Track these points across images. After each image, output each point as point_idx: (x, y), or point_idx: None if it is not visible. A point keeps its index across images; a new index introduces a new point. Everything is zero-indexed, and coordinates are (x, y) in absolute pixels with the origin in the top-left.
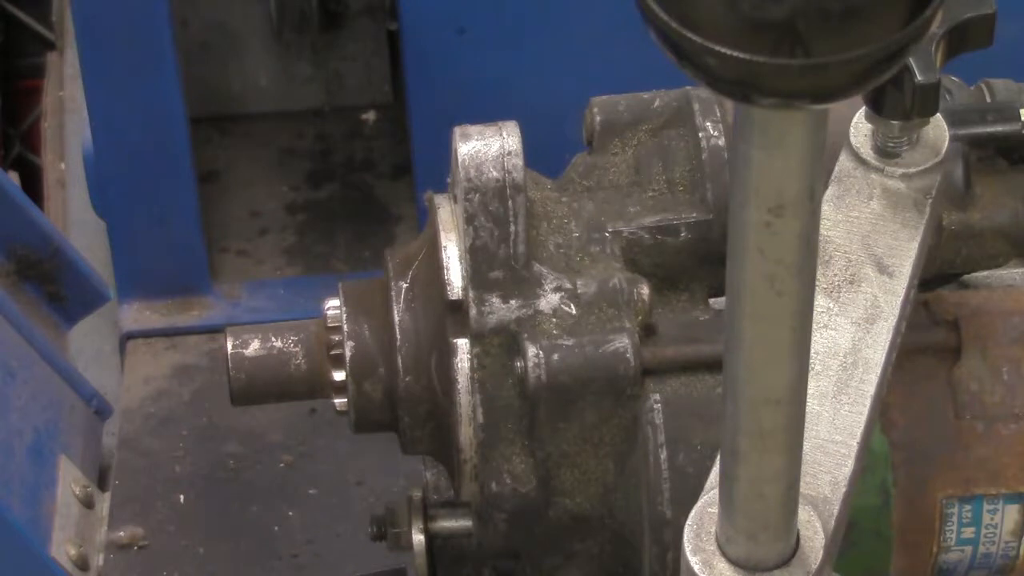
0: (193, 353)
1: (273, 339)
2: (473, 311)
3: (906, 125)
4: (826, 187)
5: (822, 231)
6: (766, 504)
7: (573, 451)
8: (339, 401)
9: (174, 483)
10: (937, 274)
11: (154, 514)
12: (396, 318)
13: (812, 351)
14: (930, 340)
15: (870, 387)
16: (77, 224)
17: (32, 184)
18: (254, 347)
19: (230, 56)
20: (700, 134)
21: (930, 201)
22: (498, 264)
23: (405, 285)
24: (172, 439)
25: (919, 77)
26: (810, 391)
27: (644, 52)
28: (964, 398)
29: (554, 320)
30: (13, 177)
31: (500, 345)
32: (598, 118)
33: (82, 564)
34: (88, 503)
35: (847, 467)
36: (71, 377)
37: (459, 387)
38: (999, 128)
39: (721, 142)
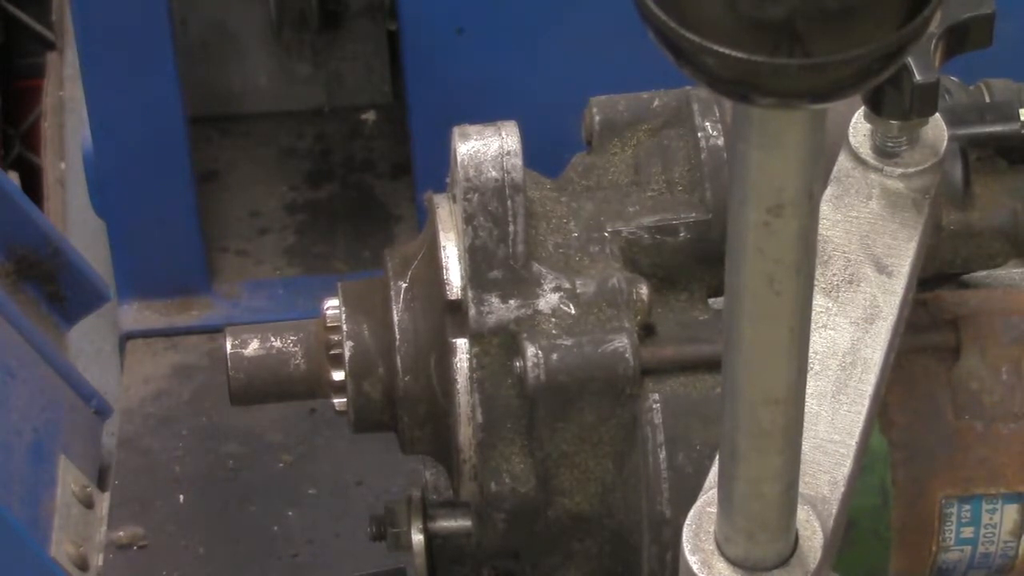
0: (193, 353)
1: (272, 339)
2: (472, 311)
3: (905, 125)
4: (825, 187)
5: (821, 231)
6: (765, 504)
7: (572, 451)
8: (338, 401)
9: (174, 483)
10: (936, 274)
11: (154, 514)
12: (395, 318)
13: (811, 351)
14: (929, 340)
15: (869, 387)
16: (77, 224)
17: (32, 184)
18: (253, 347)
19: (230, 56)
20: (699, 134)
21: (929, 201)
22: (497, 264)
23: (404, 285)
24: (172, 439)
25: (918, 77)
26: (809, 391)
27: (644, 52)
28: (963, 398)
29: (553, 320)
30: (13, 177)
31: (499, 345)
32: (597, 118)
33: (82, 564)
34: (88, 503)
35: (846, 467)
36: (71, 377)
37: (458, 387)
38: (998, 128)
39: (720, 142)
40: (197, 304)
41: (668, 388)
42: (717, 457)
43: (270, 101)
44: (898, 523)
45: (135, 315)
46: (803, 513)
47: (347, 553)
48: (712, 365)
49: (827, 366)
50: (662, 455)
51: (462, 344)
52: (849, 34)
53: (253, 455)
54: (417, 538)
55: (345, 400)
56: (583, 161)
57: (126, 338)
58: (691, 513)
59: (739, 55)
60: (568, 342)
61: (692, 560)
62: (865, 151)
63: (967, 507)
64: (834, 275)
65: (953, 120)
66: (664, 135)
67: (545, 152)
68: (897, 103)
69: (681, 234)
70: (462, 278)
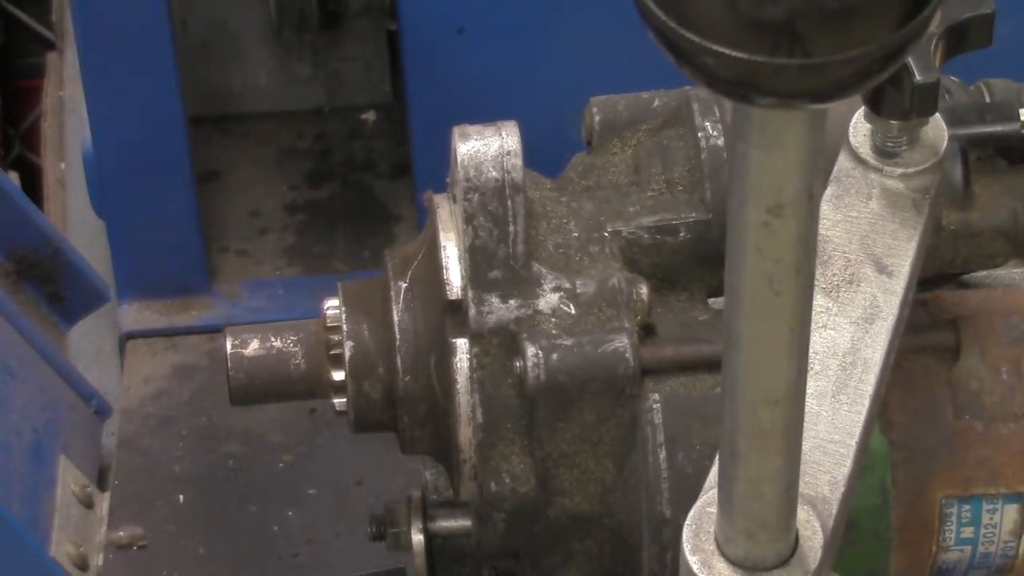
0: (193, 353)
1: (272, 339)
2: (472, 311)
3: (905, 125)
4: (825, 187)
5: (821, 231)
6: (765, 504)
7: (572, 451)
8: (338, 401)
9: (174, 483)
10: (936, 274)
11: (154, 514)
12: (395, 318)
13: (811, 351)
14: (929, 340)
15: (869, 387)
16: (77, 224)
17: (32, 184)
18: (253, 347)
19: (230, 56)
20: (699, 134)
21: (929, 201)
22: (497, 264)
23: (404, 285)
24: (172, 439)
25: (918, 77)
26: (809, 391)
27: (644, 52)
28: (963, 398)
29: (553, 320)
30: (13, 177)
31: (499, 345)
32: (597, 118)
33: (81, 564)
34: (88, 503)
35: (846, 467)
36: (71, 377)
37: (458, 387)
38: (998, 128)
39: (720, 142)
40: (197, 304)
41: (668, 388)
42: (717, 457)
43: (270, 101)
44: (898, 523)
45: (135, 315)
46: (803, 513)
47: (347, 553)
48: (712, 365)
49: (827, 366)
50: (662, 455)
51: (462, 344)
52: (849, 34)
53: (253, 455)
54: (417, 538)
55: (345, 400)
56: (583, 161)
57: (126, 338)
58: (691, 513)
59: (739, 55)
60: (568, 342)
61: (692, 560)
62: (865, 151)
63: (967, 507)
64: (834, 275)
65: (953, 120)
66: (664, 135)
67: (545, 152)
68: (897, 103)
69: (681, 234)
70: (462, 278)
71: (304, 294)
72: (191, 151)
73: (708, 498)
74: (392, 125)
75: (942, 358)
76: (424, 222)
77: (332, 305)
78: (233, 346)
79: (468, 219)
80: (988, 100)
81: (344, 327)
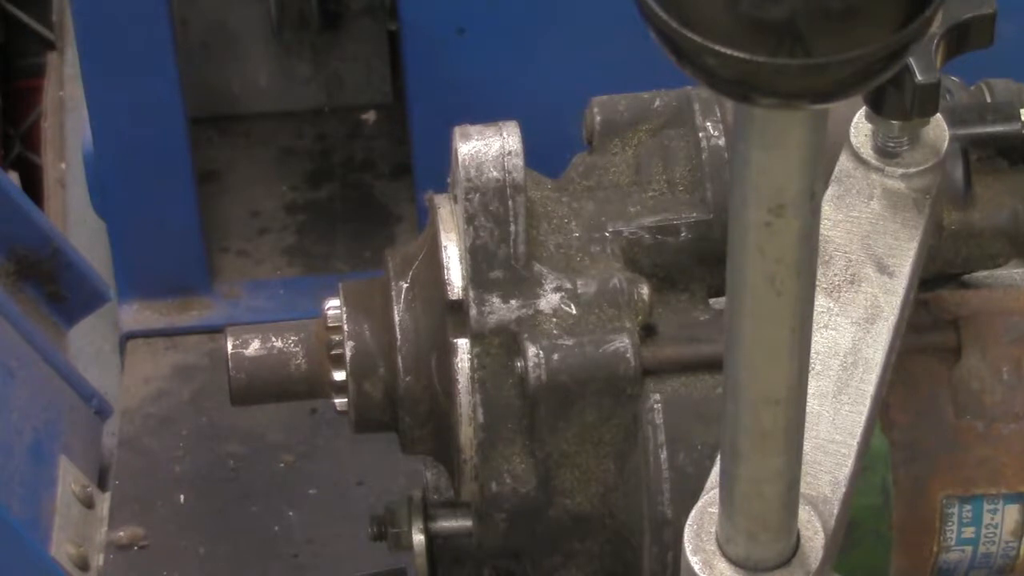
0: (193, 353)
1: (273, 339)
2: (473, 311)
3: (906, 125)
4: (826, 187)
5: (822, 231)
6: (766, 504)
7: (573, 451)
8: (339, 401)
9: (174, 483)
10: (937, 274)
11: (154, 514)
12: (396, 318)
13: (812, 351)
14: (930, 340)
15: (870, 387)
16: (77, 224)
17: (32, 184)
18: (254, 347)
19: (230, 56)
20: (700, 134)
21: (930, 201)
22: (498, 264)
23: (405, 285)
24: (172, 439)
25: (919, 77)
26: (810, 391)
27: (644, 52)
28: (964, 398)
29: (554, 320)
30: (13, 177)
31: (500, 345)
32: (598, 118)
33: (82, 564)
34: (88, 503)
35: (847, 467)
36: (71, 377)
37: (459, 387)
38: (999, 128)
39: (721, 142)
40: (197, 304)
41: (669, 388)
42: (718, 457)
43: (270, 101)
44: (899, 523)
45: (135, 315)
46: (804, 513)
47: (347, 553)
48: (713, 365)
49: (828, 366)
50: (663, 455)
51: (463, 344)
52: (850, 34)
53: (253, 455)
54: (418, 538)
55: (346, 400)
56: (584, 161)
57: (126, 338)
58: (692, 513)
59: (740, 55)
60: (569, 342)
61: (694, 560)
62: (866, 151)
63: (968, 507)
64: (835, 275)
65: (954, 120)
66: (665, 135)
67: (546, 152)
68: (898, 103)
69: (682, 234)
70: (463, 278)
71: (304, 294)
72: (191, 151)
73: (709, 498)
74: (392, 125)
75: (943, 358)
76: (424, 222)
77: (333, 305)
78: (234, 346)
79: (469, 219)
80: (989, 100)
81: (345, 327)
